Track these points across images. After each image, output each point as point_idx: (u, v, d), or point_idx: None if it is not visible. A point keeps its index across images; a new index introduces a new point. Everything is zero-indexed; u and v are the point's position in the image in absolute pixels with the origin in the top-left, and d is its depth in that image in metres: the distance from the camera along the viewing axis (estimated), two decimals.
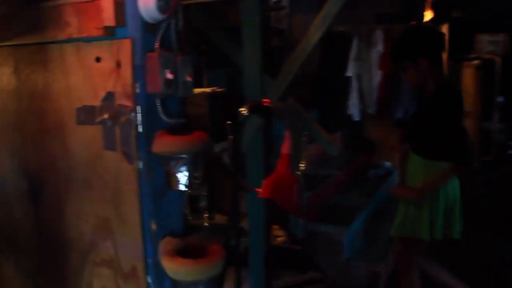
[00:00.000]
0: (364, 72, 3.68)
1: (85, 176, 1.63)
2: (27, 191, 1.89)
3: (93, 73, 1.50)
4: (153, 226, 1.50)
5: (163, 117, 1.42)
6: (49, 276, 1.92)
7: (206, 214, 1.92)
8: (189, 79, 1.43)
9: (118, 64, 1.42)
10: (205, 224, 1.94)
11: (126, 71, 1.41)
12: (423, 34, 2.37)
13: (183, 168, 1.38)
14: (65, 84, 1.59)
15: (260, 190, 1.56)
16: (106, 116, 1.49)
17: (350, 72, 3.61)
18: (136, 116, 1.42)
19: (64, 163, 1.70)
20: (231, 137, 1.52)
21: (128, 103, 1.43)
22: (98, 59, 1.47)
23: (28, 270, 2.03)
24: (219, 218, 2.64)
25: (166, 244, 1.51)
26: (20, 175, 1.90)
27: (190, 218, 1.93)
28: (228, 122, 1.54)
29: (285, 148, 1.52)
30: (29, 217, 1.92)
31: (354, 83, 3.67)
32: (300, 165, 1.56)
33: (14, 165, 1.92)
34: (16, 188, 1.94)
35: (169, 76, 1.38)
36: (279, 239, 3.26)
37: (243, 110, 1.48)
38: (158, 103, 1.41)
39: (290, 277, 3.13)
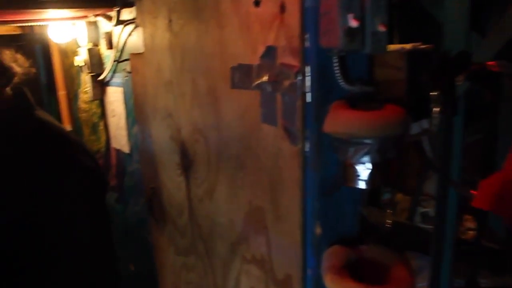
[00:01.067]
0: None
1: (238, 153, 1.32)
2: (178, 162, 1.67)
3: (250, 21, 1.14)
4: (318, 230, 1.12)
5: (342, 82, 1.00)
6: (197, 259, 1.69)
7: (390, 210, 1.48)
8: (382, 28, 0.97)
9: (282, 8, 1.03)
10: (387, 222, 1.51)
11: (293, 17, 1.01)
12: None
13: (366, 158, 0.96)
14: (219, 37, 1.27)
15: (477, 194, 1.06)
16: (265, 78, 1.13)
17: None
18: (303, 80, 1.03)
19: (215, 134, 1.41)
20: (436, 113, 1.04)
21: (293, 62, 1.03)
22: (257, 3, 1.10)
23: (178, 248, 1.84)
24: (401, 198, 2.19)
25: (332, 254, 1.12)
26: (173, 143, 1.68)
27: (368, 214, 1.52)
28: (433, 93, 1.06)
29: None
30: (181, 191, 1.71)
31: None
32: None
33: (167, 131, 1.70)
34: (169, 157, 1.74)
35: (353, 23, 0.93)
36: (471, 232, 2.68)
37: (459, 78, 0.98)
38: (335, 62, 0.99)
39: (482, 277, 2.59)
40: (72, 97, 3.08)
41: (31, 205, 1.14)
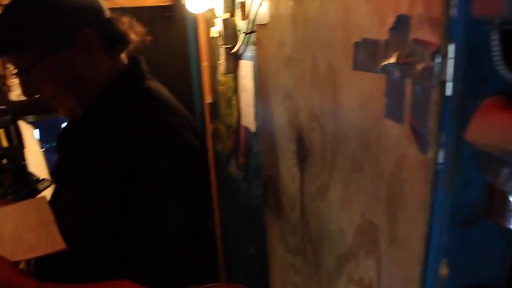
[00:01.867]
0: None
1: (355, 151, 1.06)
2: (294, 151, 1.46)
3: None
4: (444, 270, 0.82)
5: (503, 70, 0.68)
6: (304, 263, 1.49)
7: None
8: None
9: None
10: None
11: None
12: None
13: None
14: (342, 4, 1.01)
15: None
16: (393, 59, 0.85)
17: None
18: (444, 63, 0.73)
19: (332, 124, 1.16)
20: None
21: (431, 37, 0.74)
22: None
23: (288, 245, 1.65)
24: None
25: None
26: (290, 128, 1.48)
27: None
28: None
29: None
30: (294, 184, 1.50)
31: None
32: None
33: (285, 114, 1.50)
34: (286, 143, 1.54)
35: None
36: None
37: None
38: (495, 40, 0.67)
39: None
40: (213, 69, 3.05)
41: (128, 175, 1.07)
